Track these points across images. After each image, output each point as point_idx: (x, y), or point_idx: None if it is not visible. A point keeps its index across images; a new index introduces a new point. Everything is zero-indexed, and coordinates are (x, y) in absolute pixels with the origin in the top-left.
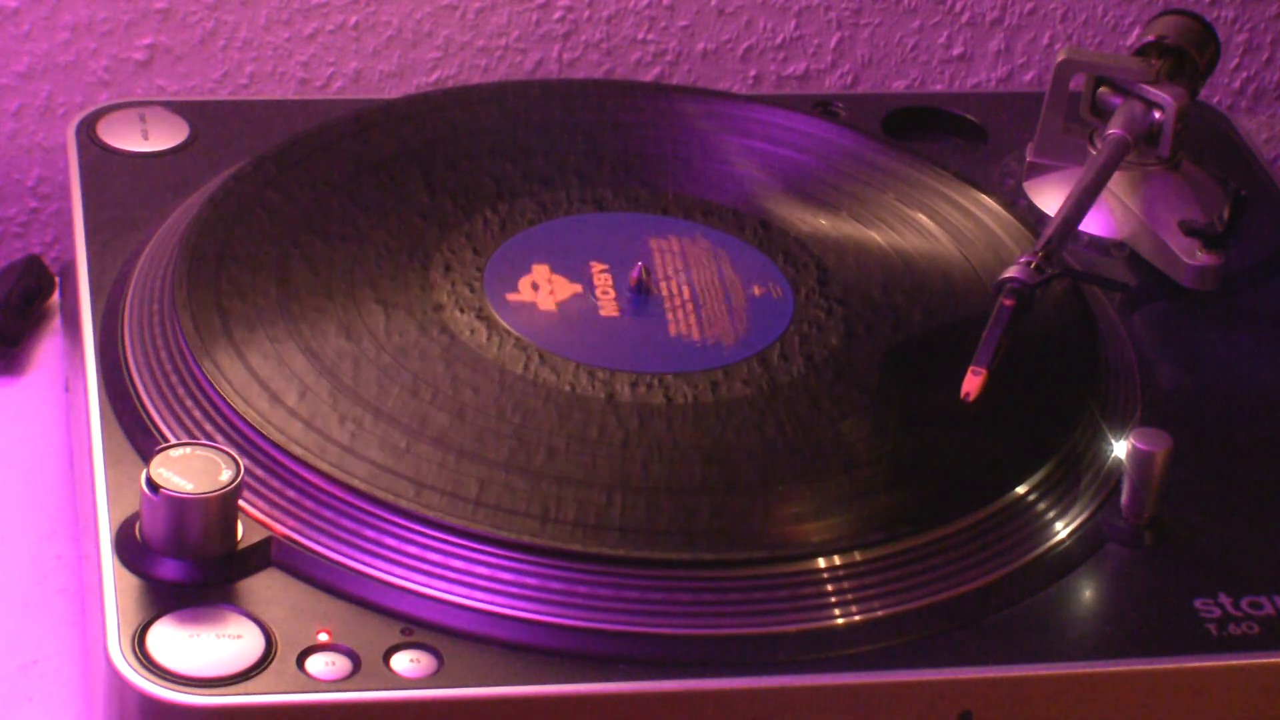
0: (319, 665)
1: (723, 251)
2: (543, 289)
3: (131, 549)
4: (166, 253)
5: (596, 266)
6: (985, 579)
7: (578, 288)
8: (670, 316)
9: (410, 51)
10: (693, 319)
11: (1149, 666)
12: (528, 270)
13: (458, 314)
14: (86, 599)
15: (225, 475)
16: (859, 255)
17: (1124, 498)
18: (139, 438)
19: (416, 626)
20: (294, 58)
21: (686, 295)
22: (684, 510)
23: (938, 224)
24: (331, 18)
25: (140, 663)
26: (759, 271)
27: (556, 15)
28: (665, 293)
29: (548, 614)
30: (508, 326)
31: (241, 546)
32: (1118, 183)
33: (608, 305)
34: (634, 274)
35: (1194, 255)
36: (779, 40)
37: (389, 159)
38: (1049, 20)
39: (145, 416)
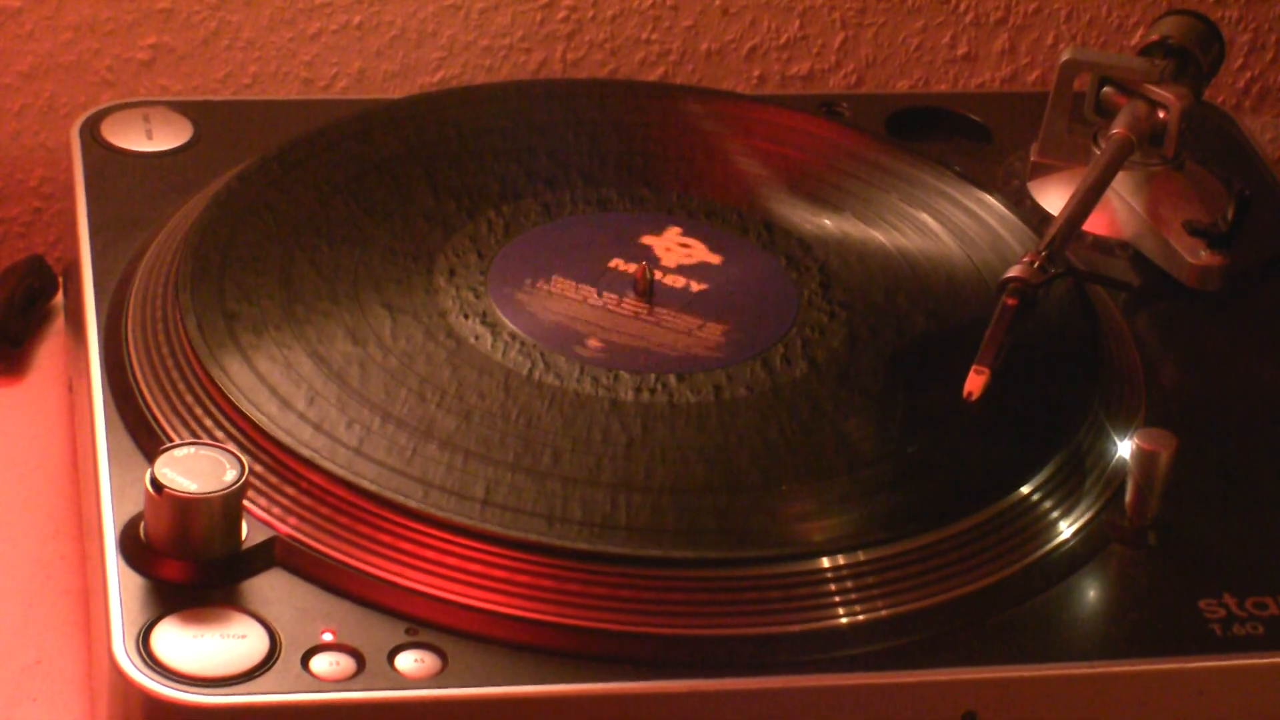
0: (323, 665)
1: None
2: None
3: (135, 549)
4: (170, 253)
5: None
6: (989, 579)
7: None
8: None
9: (414, 51)
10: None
11: (1153, 667)
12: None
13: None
14: (90, 599)
15: (230, 475)
16: (862, 256)
17: (1128, 498)
18: (143, 438)
19: (421, 627)
20: (297, 57)
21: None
22: (688, 510)
23: (941, 224)
24: (335, 17)
25: (145, 662)
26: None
27: (560, 15)
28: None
29: (552, 614)
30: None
31: (246, 546)
32: (1122, 183)
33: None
34: (637, 274)
35: (1198, 255)
36: (783, 40)
37: (392, 159)
38: (1053, 20)
39: (149, 416)
